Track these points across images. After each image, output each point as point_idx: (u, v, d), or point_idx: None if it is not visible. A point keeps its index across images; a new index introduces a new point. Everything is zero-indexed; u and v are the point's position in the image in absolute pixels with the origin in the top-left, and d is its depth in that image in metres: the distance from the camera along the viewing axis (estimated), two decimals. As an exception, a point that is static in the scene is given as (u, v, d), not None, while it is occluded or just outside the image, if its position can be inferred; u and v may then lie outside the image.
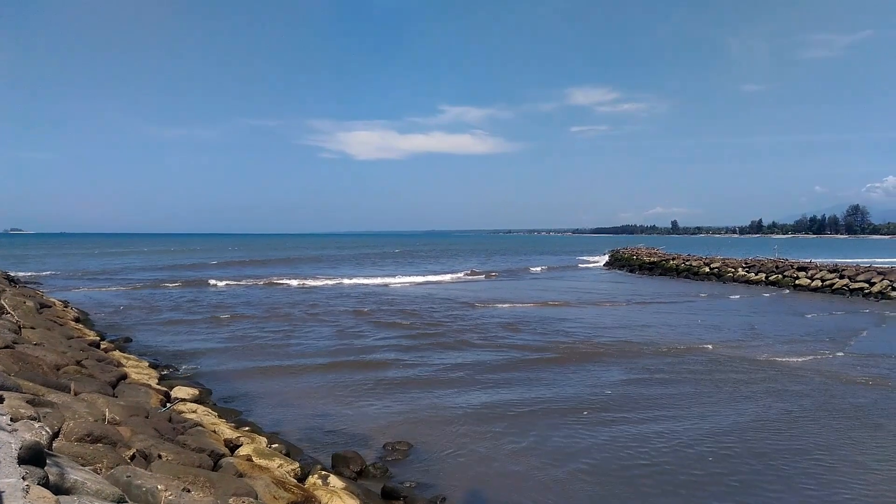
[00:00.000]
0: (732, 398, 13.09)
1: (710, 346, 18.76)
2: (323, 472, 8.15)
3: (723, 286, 41.11)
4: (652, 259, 58.56)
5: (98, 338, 17.20)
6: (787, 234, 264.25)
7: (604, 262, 66.28)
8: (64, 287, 37.44)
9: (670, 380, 14.67)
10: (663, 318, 25.64)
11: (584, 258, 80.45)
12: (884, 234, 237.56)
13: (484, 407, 12.38)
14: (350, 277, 46.59)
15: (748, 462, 9.46)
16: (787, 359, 16.98)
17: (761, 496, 8.29)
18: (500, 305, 29.62)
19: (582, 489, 8.52)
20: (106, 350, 15.07)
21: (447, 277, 49.26)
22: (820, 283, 37.52)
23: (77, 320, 20.35)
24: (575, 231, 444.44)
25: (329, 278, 45.58)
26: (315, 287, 39.83)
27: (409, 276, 49.85)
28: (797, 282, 38.99)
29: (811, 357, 17.27)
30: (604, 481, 8.75)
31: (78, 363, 11.44)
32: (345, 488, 7.78)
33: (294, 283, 42.01)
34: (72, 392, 8.77)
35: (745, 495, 8.31)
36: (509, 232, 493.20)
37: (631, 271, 56.41)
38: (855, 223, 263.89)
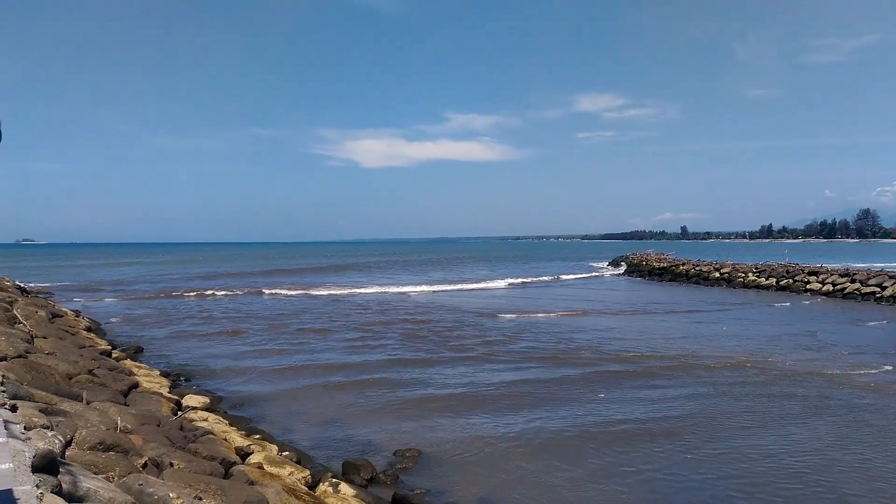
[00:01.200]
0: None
1: (786, 360, 17.30)
2: (333, 480, 8.15)
3: (756, 294, 39.44)
4: (661, 265, 58.39)
5: (110, 347, 17.28)
6: (797, 238, 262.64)
7: (623, 270, 64.63)
8: (75, 297, 37.64)
9: (799, 411, 12.60)
10: (711, 328, 24.21)
11: (599, 265, 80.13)
12: (895, 238, 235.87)
13: (538, 429, 11.61)
14: (361, 286, 46.65)
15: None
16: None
17: None
18: (538, 315, 28.93)
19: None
20: (117, 359, 15.15)
21: (484, 285, 49.11)
22: (831, 288, 37.30)
23: (89, 329, 20.45)
24: (584, 237, 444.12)
25: (339, 287, 45.63)
26: (339, 295, 39.85)
27: (442, 284, 49.21)
28: (808, 286, 38.77)
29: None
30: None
31: (90, 372, 11.50)
32: (355, 496, 7.79)
33: (324, 292, 41.55)
34: (84, 401, 8.82)
35: None
36: (518, 238, 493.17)
37: (650, 278, 54.99)
38: (866, 227, 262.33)
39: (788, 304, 33.38)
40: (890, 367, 16.28)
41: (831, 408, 12.68)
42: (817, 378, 15.25)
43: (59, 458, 5.11)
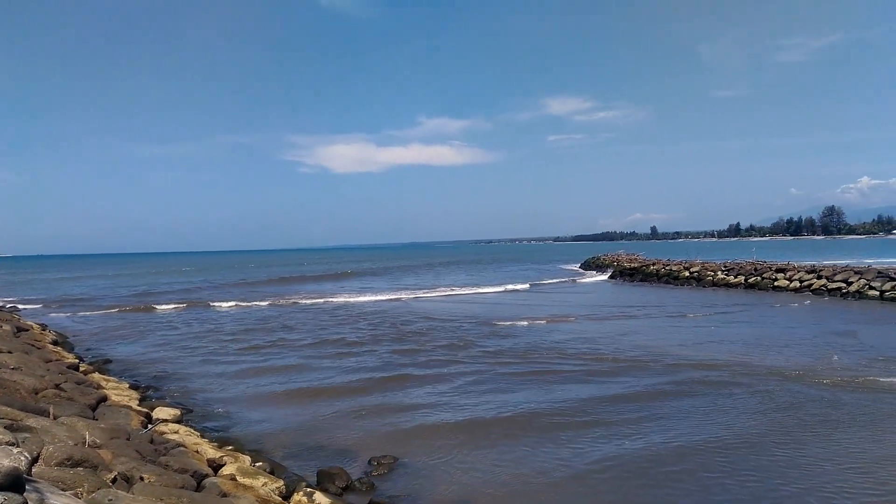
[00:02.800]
0: None
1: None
2: (308, 489, 8.09)
3: (754, 294, 38.05)
4: (633, 265, 58.90)
5: (77, 360, 16.99)
6: (764, 236, 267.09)
7: (609, 275, 58.93)
8: (42, 310, 36.98)
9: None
10: (721, 331, 22.87)
11: (570, 267, 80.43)
12: (860, 234, 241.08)
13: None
14: (336, 294, 46.28)
15: None
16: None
17: None
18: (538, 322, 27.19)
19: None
20: (85, 372, 14.89)
21: (476, 291, 47.50)
22: (798, 284, 37.95)
23: (55, 343, 20.11)
24: (556, 239, 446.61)
25: (313, 295, 45.29)
26: (312, 304, 39.32)
27: (418, 290, 48.13)
28: (776, 283, 39.41)
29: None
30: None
31: (57, 386, 11.30)
32: (330, 504, 7.75)
33: (299, 301, 40.64)
34: (51, 416, 8.66)
35: None
36: (490, 242, 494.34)
37: (641, 281, 51.99)
38: (831, 224, 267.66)
39: (796, 304, 32.11)
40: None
41: None
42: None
43: (25, 475, 5.01)
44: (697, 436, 10.94)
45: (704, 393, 13.84)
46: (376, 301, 40.16)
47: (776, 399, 13.09)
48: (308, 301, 40.29)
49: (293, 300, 41.10)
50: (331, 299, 41.39)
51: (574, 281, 55.30)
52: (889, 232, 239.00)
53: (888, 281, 33.25)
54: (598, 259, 72.13)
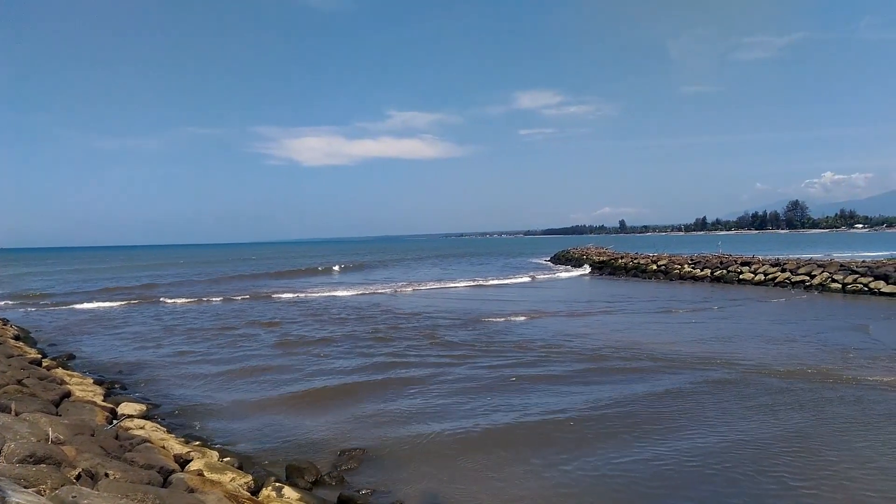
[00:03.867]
0: None
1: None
2: (277, 484, 8.05)
3: (744, 290, 36.47)
4: (601, 258, 59.47)
5: (40, 356, 16.69)
6: (730, 230, 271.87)
7: (588, 270, 56.98)
8: (2, 304, 36.23)
9: None
10: (719, 327, 22.09)
11: (541, 260, 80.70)
12: (822, 228, 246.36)
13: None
14: (306, 290, 45.89)
15: None
16: None
17: None
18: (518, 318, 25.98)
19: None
20: (48, 368, 14.64)
21: (444, 285, 45.87)
22: (763, 278, 38.65)
23: (17, 338, 19.72)
24: (527, 232, 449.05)
25: (285, 290, 44.89)
26: (284, 299, 39.01)
27: (388, 284, 47.56)
28: (741, 276, 40.06)
29: None
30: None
31: (19, 382, 11.10)
32: (300, 499, 7.71)
33: (273, 295, 40.05)
34: (12, 412, 8.50)
35: None
36: (461, 235, 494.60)
37: (618, 275, 51.23)
38: (795, 218, 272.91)
39: (784, 299, 31.12)
40: None
41: None
42: None
43: (-16, 474, 4.92)
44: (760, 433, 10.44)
45: (731, 392, 13.11)
46: (352, 296, 39.24)
47: (801, 398, 12.44)
48: (282, 296, 39.35)
49: (265, 294, 40.51)
50: (303, 294, 40.57)
51: (553, 276, 53.90)
52: (851, 226, 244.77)
53: (850, 274, 34.00)
54: (568, 252, 72.50)
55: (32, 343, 20.22)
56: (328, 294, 40.47)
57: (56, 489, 5.73)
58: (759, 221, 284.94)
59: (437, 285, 45.96)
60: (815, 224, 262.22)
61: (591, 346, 18.68)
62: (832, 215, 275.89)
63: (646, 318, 25.58)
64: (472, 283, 47.31)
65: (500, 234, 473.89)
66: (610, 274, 52.31)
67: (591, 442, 10.36)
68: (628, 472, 9.05)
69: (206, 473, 7.98)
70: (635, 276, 48.90)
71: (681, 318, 25.48)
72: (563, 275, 54.25)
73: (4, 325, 22.60)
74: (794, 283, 36.26)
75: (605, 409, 12.14)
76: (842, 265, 36.16)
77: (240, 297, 38.73)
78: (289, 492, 7.85)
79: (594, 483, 8.71)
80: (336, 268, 68.97)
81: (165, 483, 7.33)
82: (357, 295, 39.66)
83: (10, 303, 37.32)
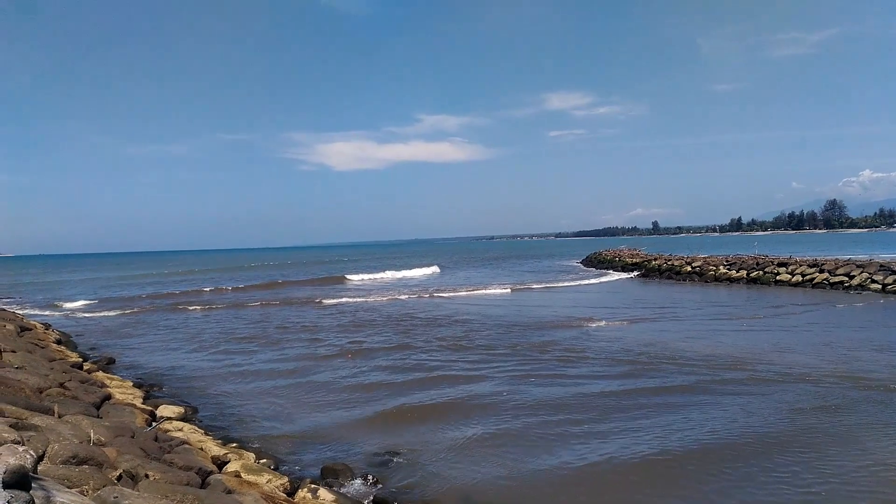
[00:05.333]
0: None
1: None
2: (312, 486, 8.12)
3: (782, 292, 35.31)
4: (634, 260, 58.91)
5: (81, 359, 17.05)
6: (766, 230, 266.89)
7: (637, 273, 53.93)
8: (44, 309, 37.05)
9: None
10: (819, 334, 20.47)
11: (570, 262, 79.90)
12: (861, 228, 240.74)
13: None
14: (342, 295, 45.92)
15: None
16: None
17: None
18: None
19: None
20: (89, 371, 14.95)
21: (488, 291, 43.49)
22: (801, 279, 37.93)
23: (59, 342, 20.15)
24: (558, 235, 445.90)
25: (331, 296, 44.96)
26: (321, 304, 39.14)
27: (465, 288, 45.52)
28: (778, 277, 39.37)
29: None
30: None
31: (61, 385, 11.33)
32: (335, 500, 7.77)
33: (309, 299, 40.17)
34: (55, 414, 8.69)
35: None
36: (492, 238, 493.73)
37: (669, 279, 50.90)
38: (833, 218, 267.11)
39: (861, 303, 28.73)
40: None
41: None
42: None
43: (31, 473, 5.03)
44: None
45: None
46: (394, 300, 38.00)
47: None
48: (324, 301, 38.38)
49: (305, 299, 39.87)
50: (342, 300, 39.35)
51: (589, 280, 50.00)
52: (891, 225, 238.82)
53: (890, 274, 33.24)
54: (601, 255, 71.80)
55: (73, 347, 20.65)
56: (388, 298, 39.24)
57: (98, 490, 5.84)
58: (795, 221, 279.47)
59: (485, 291, 43.39)
60: (853, 223, 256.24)
61: (688, 357, 16.96)
62: (871, 214, 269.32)
63: (718, 324, 23.39)
64: (519, 287, 45.51)
65: (531, 236, 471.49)
66: (643, 276, 51.52)
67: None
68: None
69: (243, 475, 8.08)
70: (668, 277, 48.29)
71: (759, 323, 23.40)
72: (605, 279, 51.00)
73: (46, 329, 23.12)
74: (832, 285, 35.54)
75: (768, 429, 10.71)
76: (881, 265, 35.36)
77: (277, 302, 38.68)
78: (324, 493, 7.91)
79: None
80: (385, 274, 66.63)
81: (204, 484, 7.44)
82: (406, 299, 38.53)
83: (48, 310, 38.11)
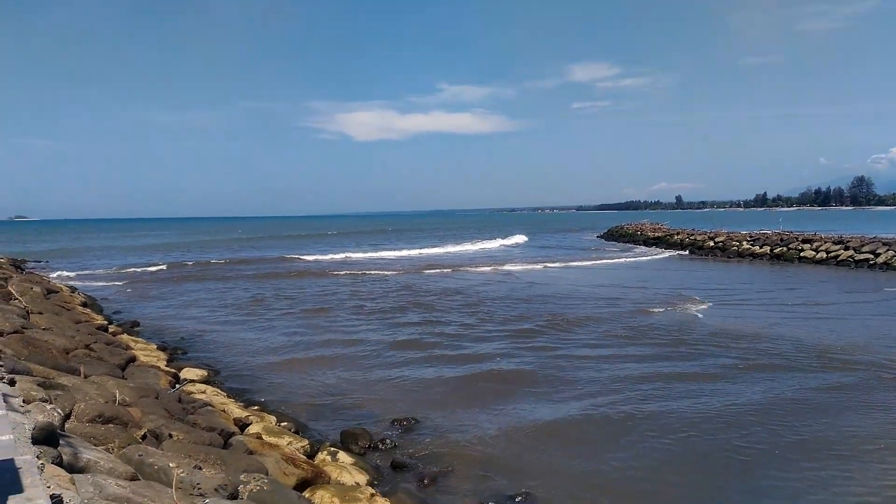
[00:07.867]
0: None
1: None
2: (332, 449, 8.25)
3: (805, 269, 34.51)
4: (657, 234, 58.46)
5: (106, 322, 17.34)
6: (791, 206, 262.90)
7: (672, 253, 49.11)
8: (70, 272, 37.52)
9: None
10: None
11: (597, 237, 79.08)
12: (889, 206, 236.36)
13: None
14: (371, 268, 45.67)
15: None
16: None
17: None
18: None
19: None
20: (114, 334, 15.20)
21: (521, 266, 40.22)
22: (825, 255, 37.46)
23: (84, 305, 20.47)
24: (579, 208, 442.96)
25: (347, 267, 44.89)
26: (344, 275, 38.94)
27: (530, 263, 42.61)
28: (802, 254, 38.90)
29: None
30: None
31: (87, 347, 11.55)
32: (353, 463, 7.89)
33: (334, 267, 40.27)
34: (82, 375, 8.87)
35: None
36: (513, 210, 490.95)
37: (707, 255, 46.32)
38: (860, 195, 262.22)
39: None
40: None
41: None
42: None
43: (58, 431, 5.16)
44: None
45: None
46: (432, 275, 35.53)
47: None
48: (341, 272, 36.97)
49: (326, 272, 38.12)
50: (371, 272, 37.46)
51: (649, 257, 46.57)
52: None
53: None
54: (622, 228, 71.22)
55: (98, 310, 20.96)
56: (492, 269, 37.64)
57: (123, 448, 5.98)
58: (821, 198, 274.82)
59: (536, 266, 40.12)
60: (881, 201, 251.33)
61: (803, 346, 15.15)
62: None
63: (788, 311, 20.81)
64: (567, 263, 41.94)
65: (552, 209, 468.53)
66: (691, 254, 46.87)
67: None
68: None
69: (264, 437, 8.22)
70: (692, 252, 47.42)
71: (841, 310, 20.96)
72: (656, 256, 47.15)
73: (72, 292, 23.48)
74: (857, 262, 35.07)
75: None
76: (910, 243, 34.78)
77: (298, 272, 38.04)
78: (343, 456, 8.04)
79: None
80: (464, 246, 62.90)
81: (226, 445, 7.58)
82: (450, 275, 36.61)
83: (75, 273, 38.51)
